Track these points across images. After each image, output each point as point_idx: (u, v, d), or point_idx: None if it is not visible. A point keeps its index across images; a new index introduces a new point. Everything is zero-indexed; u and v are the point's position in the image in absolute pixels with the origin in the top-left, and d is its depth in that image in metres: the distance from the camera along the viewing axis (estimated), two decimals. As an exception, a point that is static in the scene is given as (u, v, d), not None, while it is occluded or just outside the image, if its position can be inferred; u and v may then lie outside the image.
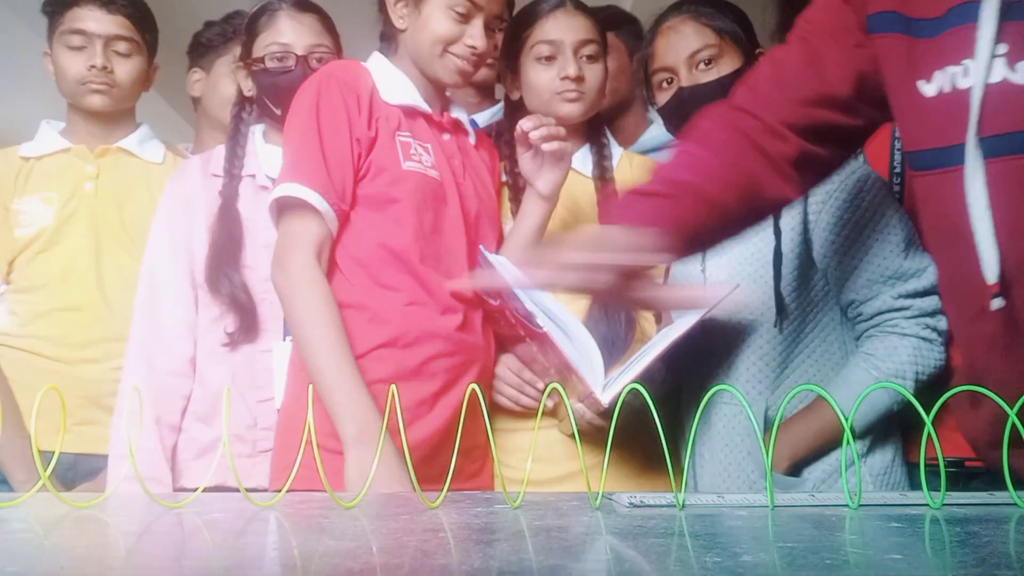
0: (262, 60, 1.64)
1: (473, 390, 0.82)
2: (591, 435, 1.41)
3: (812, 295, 1.42)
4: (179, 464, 1.56)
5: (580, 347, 1.29)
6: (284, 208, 1.41)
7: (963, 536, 0.59)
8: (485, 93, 2.04)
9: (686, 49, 1.51)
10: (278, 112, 1.66)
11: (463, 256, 1.47)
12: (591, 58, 1.58)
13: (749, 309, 1.42)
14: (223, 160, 1.67)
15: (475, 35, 1.48)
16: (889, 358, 1.34)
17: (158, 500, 0.71)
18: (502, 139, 1.69)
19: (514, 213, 1.60)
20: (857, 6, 1.08)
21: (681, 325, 1.28)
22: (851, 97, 1.09)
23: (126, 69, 1.73)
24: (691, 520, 0.63)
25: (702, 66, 1.51)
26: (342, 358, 1.31)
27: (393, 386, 0.80)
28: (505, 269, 1.31)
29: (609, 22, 2.00)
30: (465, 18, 1.48)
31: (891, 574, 0.46)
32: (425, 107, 1.53)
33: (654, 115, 2.09)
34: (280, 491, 0.74)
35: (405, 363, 1.39)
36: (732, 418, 1.43)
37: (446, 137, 1.57)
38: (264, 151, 1.68)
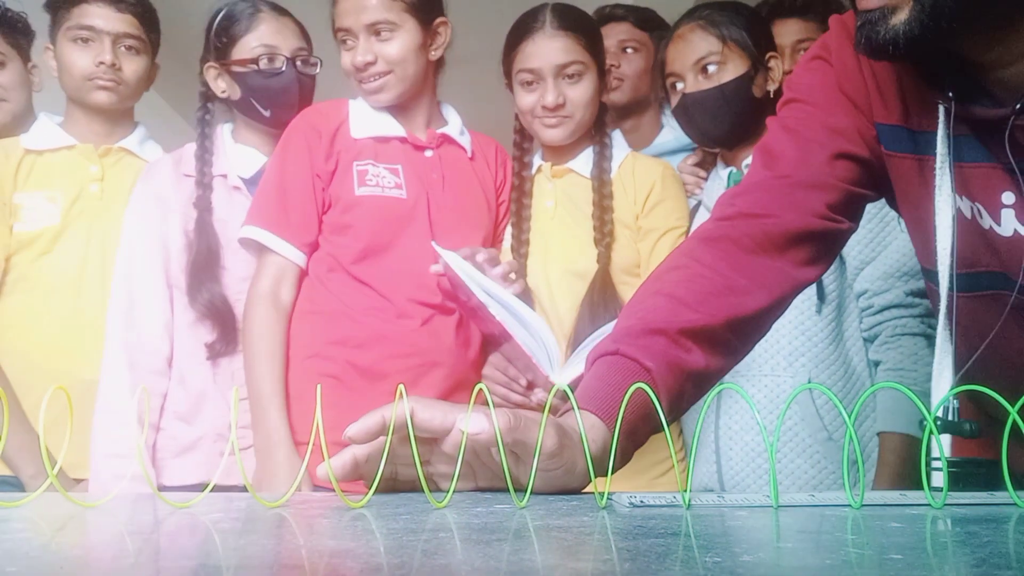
0: (255, 61, 1.66)
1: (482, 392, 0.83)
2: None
3: (846, 279, 1.48)
4: (158, 462, 1.58)
5: (534, 333, 1.31)
6: (253, 243, 1.57)
7: (963, 536, 0.59)
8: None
9: (692, 56, 1.54)
10: (267, 114, 1.69)
11: (431, 263, 1.51)
12: (573, 76, 1.57)
13: None
14: (194, 160, 1.69)
15: (356, 53, 1.57)
16: (915, 367, 1.36)
17: (168, 501, 0.71)
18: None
19: (516, 214, 1.61)
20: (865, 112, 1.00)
21: None
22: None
23: (133, 67, 1.73)
24: (691, 520, 0.63)
25: (705, 73, 1.53)
26: (267, 378, 1.47)
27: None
28: (456, 263, 1.36)
29: (647, 24, 2.03)
30: (346, 44, 1.58)
31: (891, 574, 0.46)
32: (398, 131, 1.59)
33: (666, 119, 2.11)
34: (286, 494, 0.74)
35: (355, 361, 1.48)
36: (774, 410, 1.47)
37: (428, 154, 1.61)
38: (234, 151, 1.71)
